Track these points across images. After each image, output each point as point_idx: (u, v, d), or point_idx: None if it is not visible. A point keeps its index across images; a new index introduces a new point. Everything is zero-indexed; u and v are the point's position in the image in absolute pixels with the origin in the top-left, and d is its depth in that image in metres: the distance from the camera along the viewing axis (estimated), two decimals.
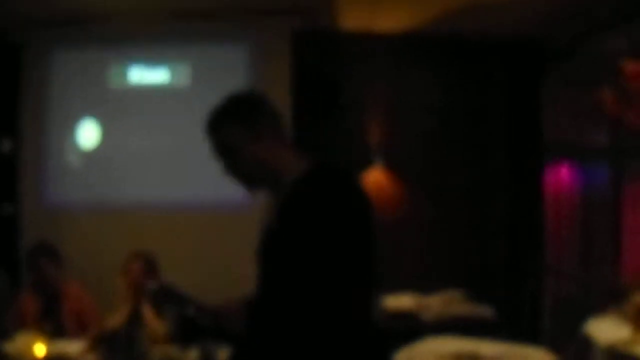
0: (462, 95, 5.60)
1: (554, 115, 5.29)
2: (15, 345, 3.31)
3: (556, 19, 4.90)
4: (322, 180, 1.81)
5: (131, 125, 5.26)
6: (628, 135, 4.23)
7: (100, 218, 5.15)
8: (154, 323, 3.64)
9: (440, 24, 5.17)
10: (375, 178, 5.43)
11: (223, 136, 1.91)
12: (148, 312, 3.69)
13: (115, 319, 3.66)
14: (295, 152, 1.93)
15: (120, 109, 5.27)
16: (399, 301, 4.98)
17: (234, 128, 1.90)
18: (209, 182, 5.09)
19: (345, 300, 1.69)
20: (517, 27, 5.21)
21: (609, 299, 4.00)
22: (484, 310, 4.85)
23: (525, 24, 5.10)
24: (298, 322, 1.69)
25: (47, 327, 3.79)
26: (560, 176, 5.21)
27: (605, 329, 2.96)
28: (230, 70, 5.26)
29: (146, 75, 5.30)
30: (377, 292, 1.91)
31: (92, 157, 5.26)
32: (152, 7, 4.95)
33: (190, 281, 4.37)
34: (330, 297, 1.67)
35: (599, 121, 4.62)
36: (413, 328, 4.52)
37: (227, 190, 4.94)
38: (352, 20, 5.29)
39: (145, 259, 3.83)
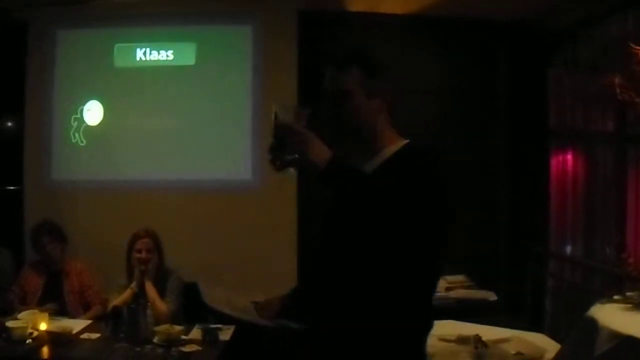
0: (466, 78, 5.56)
1: (559, 101, 5.26)
2: (18, 322, 3.31)
3: (561, 1, 4.85)
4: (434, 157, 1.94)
5: (135, 104, 5.25)
6: (634, 121, 4.20)
7: (104, 197, 5.15)
8: (158, 302, 3.65)
9: (445, 7, 5.12)
10: None
11: (344, 76, 1.87)
12: (151, 291, 3.70)
13: (120, 297, 3.67)
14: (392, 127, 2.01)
15: (125, 89, 5.25)
16: None
17: (356, 72, 1.87)
18: (213, 160, 5.12)
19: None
20: (522, 10, 5.16)
21: (612, 284, 4.00)
22: (487, 295, 4.85)
23: (530, 6, 5.05)
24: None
25: (49, 304, 3.81)
26: (565, 162, 5.19)
27: (610, 314, 2.94)
28: (235, 51, 5.24)
29: (151, 54, 5.27)
30: None
31: (96, 135, 5.24)
32: None
33: (193, 259, 4.44)
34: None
35: (604, 107, 4.59)
36: None
37: (231, 168, 5.06)
38: (358, 1, 5.25)
39: (150, 237, 3.84)
